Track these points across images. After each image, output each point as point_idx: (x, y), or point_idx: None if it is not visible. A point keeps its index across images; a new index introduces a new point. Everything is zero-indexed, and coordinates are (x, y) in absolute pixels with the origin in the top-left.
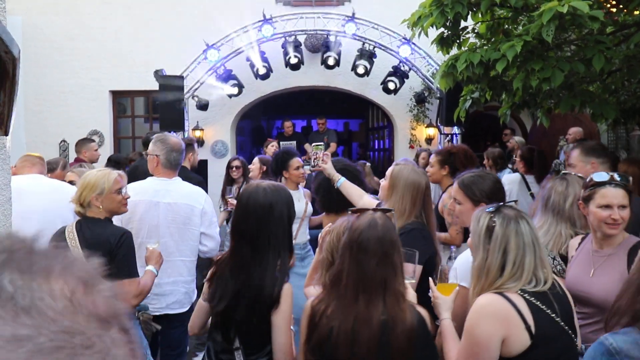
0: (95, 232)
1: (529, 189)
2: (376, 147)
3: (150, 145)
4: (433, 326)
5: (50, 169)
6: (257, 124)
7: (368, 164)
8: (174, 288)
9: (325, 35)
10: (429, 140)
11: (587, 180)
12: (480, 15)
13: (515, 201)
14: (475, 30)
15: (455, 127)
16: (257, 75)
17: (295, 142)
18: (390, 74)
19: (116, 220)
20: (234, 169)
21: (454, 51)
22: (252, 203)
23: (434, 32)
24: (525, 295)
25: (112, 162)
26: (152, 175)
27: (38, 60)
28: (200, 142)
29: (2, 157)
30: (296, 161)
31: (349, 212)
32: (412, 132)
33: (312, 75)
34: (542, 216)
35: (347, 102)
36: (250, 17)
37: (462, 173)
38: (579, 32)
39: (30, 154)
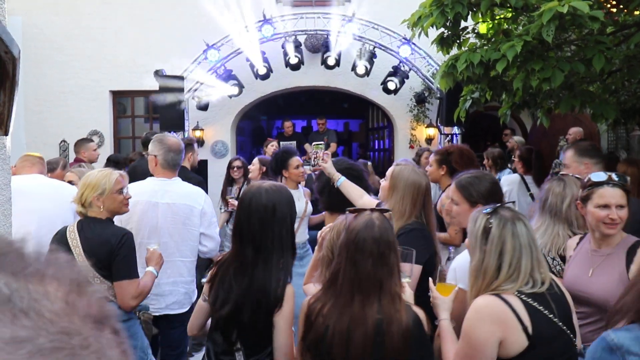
0: (96, 232)
1: (529, 190)
2: (376, 147)
3: (150, 145)
4: (429, 326)
5: (51, 169)
6: (257, 124)
7: (369, 163)
8: (173, 288)
9: (326, 36)
10: (429, 140)
11: (585, 180)
12: (480, 16)
13: (513, 202)
14: (476, 31)
15: (456, 127)
16: (257, 75)
17: (295, 142)
18: (390, 74)
19: (115, 221)
20: (235, 169)
21: (454, 51)
22: (254, 204)
23: (434, 32)
24: (522, 296)
25: (112, 162)
26: (151, 176)
27: (38, 60)
28: (201, 142)
29: (2, 157)
30: (296, 160)
31: (347, 212)
32: (412, 132)
33: (312, 76)
34: (540, 217)
35: (347, 102)
36: (250, 17)
37: (460, 173)
38: (579, 32)
39: (30, 153)
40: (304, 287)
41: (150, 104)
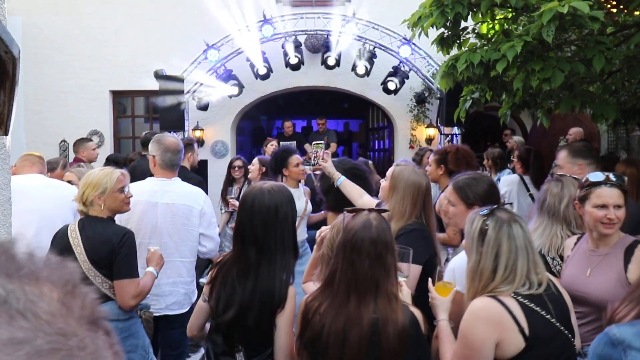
0: (97, 231)
1: (528, 190)
2: (376, 147)
3: (149, 145)
4: (427, 326)
5: (51, 168)
6: (257, 124)
7: (370, 161)
8: (173, 289)
9: (326, 36)
10: (429, 140)
11: (583, 180)
12: (480, 16)
13: (510, 204)
14: (476, 31)
15: (456, 128)
16: (257, 76)
17: (295, 142)
18: (390, 74)
19: (115, 221)
20: (236, 168)
21: (454, 51)
22: (257, 205)
23: (434, 33)
24: (519, 297)
25: (111, 162)
26: (150, 176)
27: (38, 60)
28: (201, 142)
29: (2, 157)
30: (295, 158)
31: (345, 212)
32: (412, 133)
33: (313, 76)
34: (538, 218)
35: (347, 102)
36: (250, 17)
37: (458, 175)
38: (579, 33)
39: (30, 153)
40: (303, 285)
41: (150, 104)
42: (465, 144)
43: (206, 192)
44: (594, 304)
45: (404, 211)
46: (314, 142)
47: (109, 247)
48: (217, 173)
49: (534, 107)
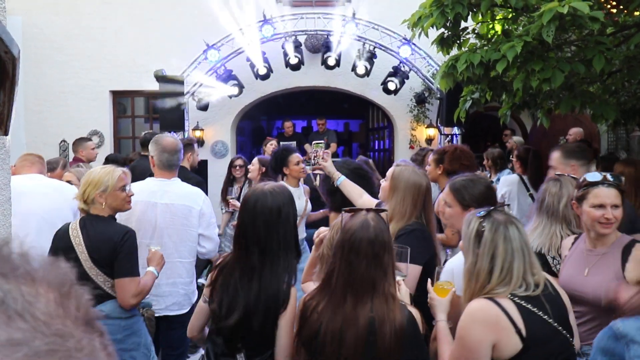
0: (99, 230)
1: (528, 190)
2: (376, 147)
3: (149, 145)
4: (425, 326)
5: (50, 168)
6: (258, 124)
7: (370, 160)
8: (172, 289)
9: (326, 36)
10: (429, 140)
11: (581, 180)
12: (480, 16)
13: (508, 205)
14: (476, 31)
15: (456, 128)
16: (257, 76)
17: (295, 142)
18: (390, 75)
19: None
20: (238, 167)
21: (454, 52)
22: (260, 207)
23: (434, 33)
24: (516, 299)
25: (110, 162)
26: (150, 176)
27: (38, 60)
28: (201, 143)
29: (2, 157)
30: (296, 156)
31: (343, 212)
32: (413, 133)
33: (313, 76)
34: (537, 218)
35: (347, 102)
36: (250, 17)
37: (455, 176)
38: (579, 33)
39: (30, 153)
40: (302, 285)
41: (150, 104)
42: (465, 144)
43: (206, 192)
44: (591, 304)
45: (404, 211)
46: (314, 142)
47: (111, 246)
48: (217, 173)
49: (534, 107)
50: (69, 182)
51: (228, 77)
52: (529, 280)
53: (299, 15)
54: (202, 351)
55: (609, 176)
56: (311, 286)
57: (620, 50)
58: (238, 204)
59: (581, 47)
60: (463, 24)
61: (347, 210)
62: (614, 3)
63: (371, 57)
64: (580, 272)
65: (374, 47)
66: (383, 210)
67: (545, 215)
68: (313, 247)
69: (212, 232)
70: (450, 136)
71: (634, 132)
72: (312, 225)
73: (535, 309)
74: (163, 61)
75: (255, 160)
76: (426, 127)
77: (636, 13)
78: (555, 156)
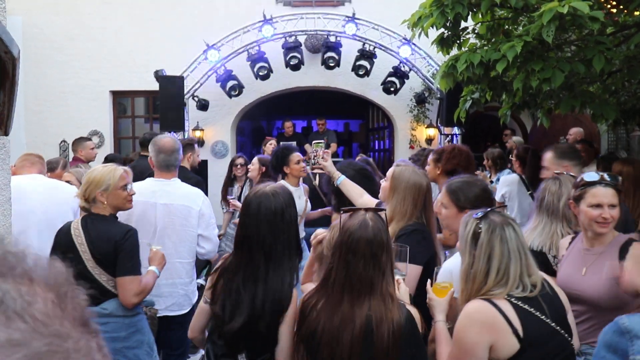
0: (100, 229)
1: (528, 189)
2: (376, 147)
3: (148, 146)
4: (424, 326)
5: (51, 168)
6: (258, 124)
7: (370, 159)
8: (172, 290)
9: (326, 36)
10: (429, 140)
11: (578, 180)
12: (480, 16)
13: (506, 206)
14: (476, 31)
15: (456, 128)
16: (257, 76)
17: (295, 142)
18: (390, 75)
19: None
20: (239, 166)
21: (454, 52)
22: (263, 209)
23: (434, 33)
24: (512, 299)
25: (109, 162)
26: (149, 176)
27: (38, 60)
28: (201, 143)
29: (2, 157)
30: (296, 155)
31: (341, 212)
32: (413, 133)
33: (313, 76)
34: (537, 217)
35: (347, 102)
36: (250, 18)
37: (453, 177)
38: (579, 33)
39: (30, 153)
40: (302, 285)
41: (150, 104)
42: (466, 144)
43: (206, 192)
44: (589, 303)
45: (404, 212)
46: (314, 142)
47: (113, 244)
48: (217, 173)
49: (534, 107)
50: (67, 182)
51: (228, 77)
52: (526, 281)
53: (298, 15)
54: (202, 351)
55: (606, 176)
56: (310, 287)
57: (620, 50)
58: (239, 204)
59: (581, 47)
60: (463, 24)
61: (346, 210)
62: (614, 3)
63: (371, 57)
64: (578, 272)
65: (374, 47)
66: (382, 210)
67: (545, 213)
68: (311, 249)
69: (211, 232)
70: (450, 136)
71: (634, 131)
72: (311, 223)
73: (532, 310)
74: (163, 61)
75: (255, 159)
76: (426, 127)
77: (636, 13)
78: (548, 157)
